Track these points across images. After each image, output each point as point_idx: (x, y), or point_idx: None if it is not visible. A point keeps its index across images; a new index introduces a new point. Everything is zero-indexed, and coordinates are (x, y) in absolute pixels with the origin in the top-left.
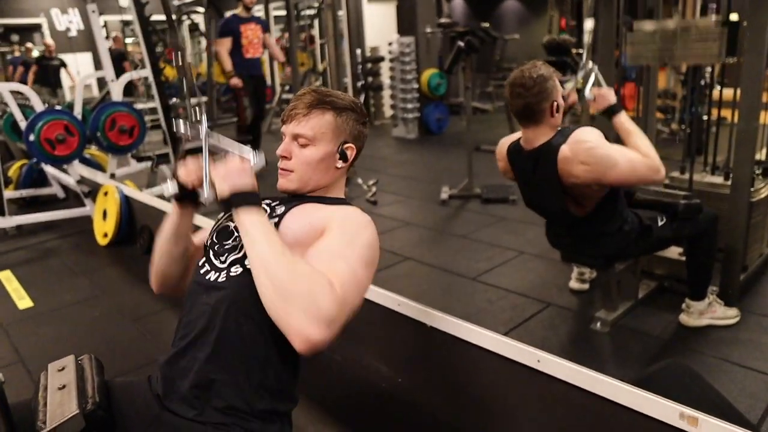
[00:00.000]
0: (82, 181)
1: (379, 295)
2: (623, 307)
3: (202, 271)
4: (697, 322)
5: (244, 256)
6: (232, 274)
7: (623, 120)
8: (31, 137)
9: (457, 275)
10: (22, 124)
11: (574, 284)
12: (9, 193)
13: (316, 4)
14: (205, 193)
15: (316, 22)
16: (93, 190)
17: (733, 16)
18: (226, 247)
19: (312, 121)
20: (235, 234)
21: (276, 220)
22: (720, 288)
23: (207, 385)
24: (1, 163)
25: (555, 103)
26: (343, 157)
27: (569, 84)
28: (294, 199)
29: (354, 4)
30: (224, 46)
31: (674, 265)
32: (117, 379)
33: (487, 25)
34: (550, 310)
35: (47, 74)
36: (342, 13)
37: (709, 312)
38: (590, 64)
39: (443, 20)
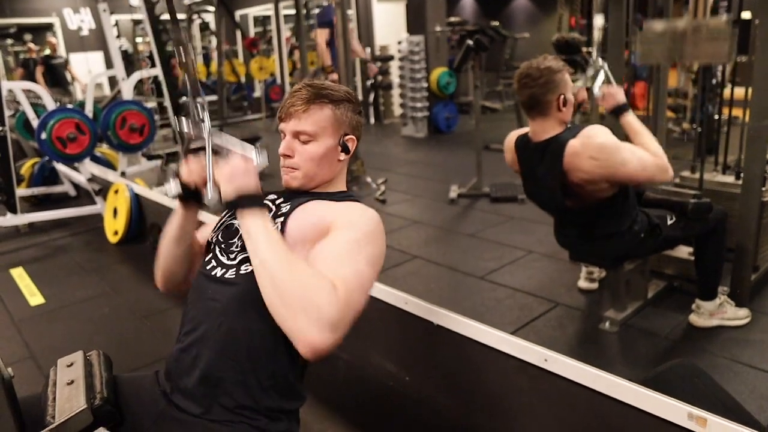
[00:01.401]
0: (93, 179)
1: (387, 294)
2: (632, 306)
3: (208, 267)
4: (707, 323)
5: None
6: (242, 271)
7: (631, 120)
8: (43, 135)
9: (465, 274)
10: (35, 122)
11: (582, 284)
12: (21, 191)
13: (325, 3)
14: (209, 195)
15: None
16: (104, 188)
17: (746, 15)
18: (234, 243)
19: (312, 117)
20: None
21: (282, 219)
22: (730, 288)
23: (215, 382)
24: (13, 161)
25: (563, 97)
26: (345, 149)
27: (579, 82)
28: (299, 195)
29: (364, 2)
30: (323, 37)
31: (684, 264)
32: (124, 374)
33: (496, 23)
34: (559, 309)
35: (55, 73)
36: (352, 11)
37: (720, 313)
38: (600, 61)
39: (453, 19)
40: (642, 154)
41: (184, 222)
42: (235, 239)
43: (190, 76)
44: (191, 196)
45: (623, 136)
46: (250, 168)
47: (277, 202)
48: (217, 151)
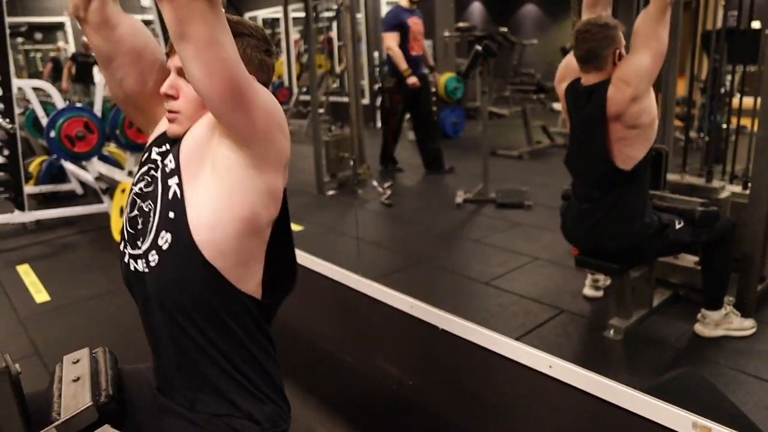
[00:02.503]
0: (100, 178)
1: (392, 297)
2: (637, 315)
3: (125, 260)
4: (712, 333)
5: (156, 237)
6: (151, 263)
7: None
8: (52, 134)
9: (469, 279)
10: (44, 120)
11: (587, 291)
12: (29, 189)
13: (335, 7)
14: None
15: (334, 25)
16: (111, 187)
17: (755, 24)
18: (139, 230)
19: None
20: (143, 217)
21: (175, 179)
22: (736, 298)
23: (191, 397)
24: (22, 159)
25: (618, 51)
26: None
27: None
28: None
29: (372, 6)
30: (394, 40)
31: (689, 273)
32: (127, 367)
33: (505, 29)
34: (563, 316)
35: (83, 71)
36: (360, 15)
37: (725, 323)
38: None
39: (461, 24)
40: (650, 48)
41: None
42: (139, 223)
43: None
44: None
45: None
46: None
47: (160, 161)
48: None
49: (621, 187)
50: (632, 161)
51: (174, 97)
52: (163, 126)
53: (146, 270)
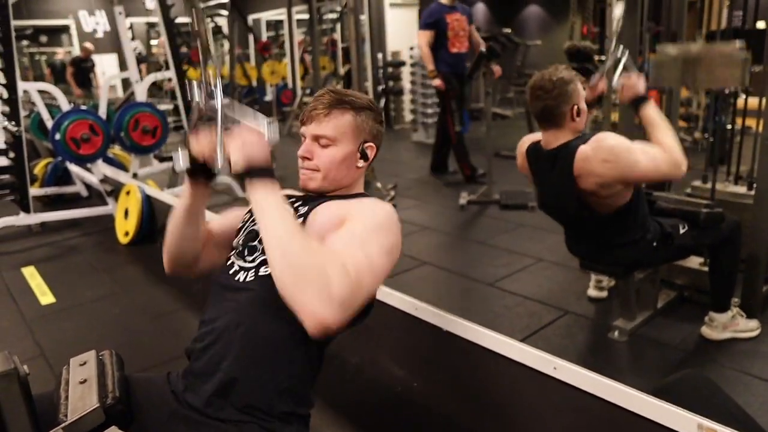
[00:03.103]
0: (105, 180)
1: (397, 299)
2: (642, 316)
3: (230, 272)
4: (720, 336)
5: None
6: (261, 273)
7: (650, 112)
8: (57, 136)
9: (474, 280)
10: (49, 123)
11: (592, 292)
12: (34, 191)
13: (339, 8)
14: (219, 164)
15: (338, 26)
16: (115, 189)
17: (760, 24)
18: (253, 246)
19: (333, 122)
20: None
21: (300, 220)
22: (742, 299)
23: (230, 383)
24: (27, 161)
25: (576, 107)
26: (364, 156)
27: (598, 73)
28: (315, 199)
29: (376, 8)
30: (426, 38)
31: (695, 275)
32: (136, 374)
33: (509, 30)
34: (568, 317)
35: (82, 75)
36: (364, 17)
37: (732, 325)
38: (619, 50)
39: None
40: (654, 152)
41: (193, 199)
42: (256, 241)
43: (202, 44)
44: (200, 170)
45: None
46: (261, 139)
47: (295, 204)
48: (227, 122)
49: (611, 228)
50: (616, 206)
51: (309, 159)
52: None
53: (252, 279)
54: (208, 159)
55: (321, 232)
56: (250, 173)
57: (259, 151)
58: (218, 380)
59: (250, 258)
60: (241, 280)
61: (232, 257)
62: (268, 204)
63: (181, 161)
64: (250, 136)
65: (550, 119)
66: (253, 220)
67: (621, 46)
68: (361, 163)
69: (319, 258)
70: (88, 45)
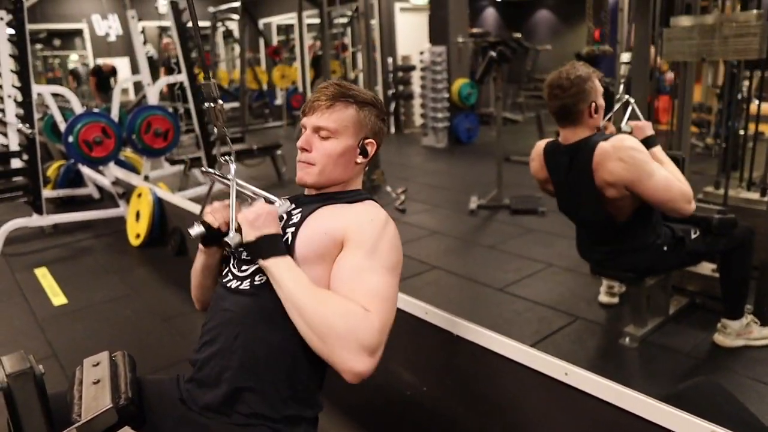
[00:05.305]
0: (117, 182)
1: (407, 303)
2: (653, 322)
3: (225, 280)
4: (733, 343)
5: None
6: (256, 282)
7: (658, 154)
8: (70, 138)
9: (484, 285)
10: (62, 125)
11: (603, 298)
12: (47, 193)
13: (350, 13)
14: (231, 234)
15: (348, 31)
16: (127, 192)
17: None
18: (245, 257)
19: (335, 114)
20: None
21: (292, 230)
22: (755, 306)
23: (234, 394)
24: (41, 163)
25: (594, 104)
26: (364, 152)
27: (605, 119)
28: (310, 201)
29: (387, 13)
30: None
31: (707, 281)
32: (148, 376)
33: (519, 35)
34: (578, 323)
35: (104, 83)
36: (375, 21)
37: (746, 332)
38: (626, 96)
39: (475, 30)
40: (671, 177)
41: (207, 260)
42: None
43: (210, 89)
44: (213, 238)
45: None
46: (272, 213)
47: (289, 210)
48: (241, 196)
49: (625, 231)
50: (632, 210)
51: (308, 151)
52: None
53: (248, 287)
54: (221, 228)
55: (319, 250)
56: (260, 245)
57: (269, 225)
58: (222, 392)
59: (244, 267)
60: (235, 287)
61: (227, 266)
62: (283, 277)
63: (196, 230)
64: (261, 209)
65: (568, 117)
66: None
67: (627, 95)
68: (360, 159)
69: (341, 316)
70: (109, 62)
